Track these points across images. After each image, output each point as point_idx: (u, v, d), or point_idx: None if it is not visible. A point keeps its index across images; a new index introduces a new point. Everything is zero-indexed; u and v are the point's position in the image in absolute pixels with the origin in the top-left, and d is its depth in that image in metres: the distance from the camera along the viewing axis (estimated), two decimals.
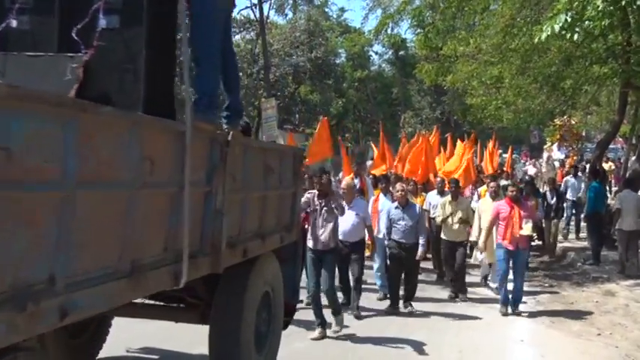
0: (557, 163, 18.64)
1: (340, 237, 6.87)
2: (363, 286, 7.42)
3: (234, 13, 28.01)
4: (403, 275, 7.60)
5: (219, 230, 3.26)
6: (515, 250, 7.33)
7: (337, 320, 6.30)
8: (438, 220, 8.58)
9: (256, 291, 4.08)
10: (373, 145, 14.75)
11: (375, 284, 8.20)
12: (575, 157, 16.78)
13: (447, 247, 8.43)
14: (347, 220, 6.96)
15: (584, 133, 31.65)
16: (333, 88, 34.37)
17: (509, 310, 7.40)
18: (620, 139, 22.99)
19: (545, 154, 23.17)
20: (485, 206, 8.26)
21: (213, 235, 3.24)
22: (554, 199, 11.64)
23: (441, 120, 33.82)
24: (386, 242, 7.71)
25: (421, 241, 7.45)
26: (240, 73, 29.42)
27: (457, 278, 8.25)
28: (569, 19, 6.87)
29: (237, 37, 31.22)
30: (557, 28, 6.93)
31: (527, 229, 7.31)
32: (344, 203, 6.72)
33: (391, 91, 41.15)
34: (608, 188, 13.83)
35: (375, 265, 8.13)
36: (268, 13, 27.49)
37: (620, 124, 12.07)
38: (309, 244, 6.33)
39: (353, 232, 7.15)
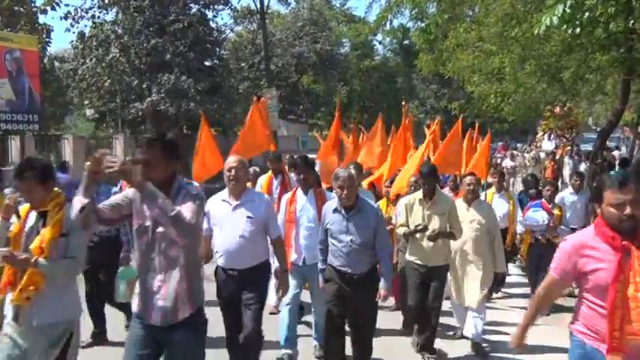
0: (542, 155, 17.77)
1: (222, 261, 4.20)
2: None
3: (235, 3, 28.08)
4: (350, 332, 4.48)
5: None
6: None
7: None
8: (399, 231, 5.29)
9: None
10: (317, 136, 13.08)
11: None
12: (566, 148, 16.36)
13: (414, 275, 5.19)
14: (233, 229, 4.14)
15: (590, 122, 31.40)
16: (337, 78, 34.34)
17: None
18: (627, 128, 22.81)
19: (526, 149, 22.32)
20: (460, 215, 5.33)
21: None
22: None
23: (446, 110, 33.68)
24: (320, 265, 4.59)
25: (383, 268, 4.37)
26: (243, 64, 29.48)
27: (425, 327, 5.18)
28: (568, 10, 6.69)
29: (240, 27, 31.21)
30: (555, 20, 6.74)
31: None
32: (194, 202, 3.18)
33: (395, 80, 41.07)
34: None
35: (284, 315, 4.99)
36: (269, 2, 27.41)
37: (622, 112, 11.91)
38: (134, 308, 3.13)
39: (244, 251, 4.13)
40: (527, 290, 7.62)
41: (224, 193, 4.31)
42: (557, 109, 16.45)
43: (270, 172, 7.11)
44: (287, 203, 5.12)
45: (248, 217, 4.16)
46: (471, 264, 5.50)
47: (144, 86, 23.34)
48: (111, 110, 25.06)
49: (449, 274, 5.47)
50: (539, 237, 7.13)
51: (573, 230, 7.64)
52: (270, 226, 4.29)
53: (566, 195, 8.09)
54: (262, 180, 7.17)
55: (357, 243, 4.27)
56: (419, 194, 5.26)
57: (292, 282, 4.88)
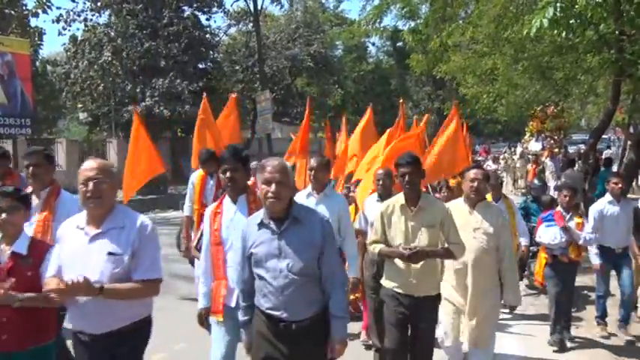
0: (530, 156, 17.87)
1: (71, 322, 2.91)
2: None
3: (229, 6, 28.11)
4: None
5: None
6: None
7: None
8: (373, 250, 3.91)
9: None
10: (293, 136, 12.68)
11: None
12: (553, 150, 16.33)
13: (393, 306, 3.84)
14: (85, 271, 2.66)
15: (583, 122, 31.53)
16: (331, 81, 34.43)
17: None
18: (619, 129, 22.94)
19: (518, 149, 22.39)
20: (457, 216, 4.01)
21: None
22: None
23: (439, 112, 33.81)
24: (241, 316, 3.12)
25: (333, 308, 2.92)
26: (237, 67, 29.45)
27: None
28: (558, 14, 6.72)
29: (233, 29, 31.26)
30: (545, 22, 6.77)
31: None
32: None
33: (389, 82, 41.24)
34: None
35: None
36: (262, 3, 27.39)
37: (613, 112, 12.01)
38: None
39: (103, 307, 2.73)
40: (529, 311, 6.73)
41: (80, 217, 2.88)
42: (550, 110, 16.55)
43: (201, 171, 6.16)
44: (211, 217, 3.48)
45: (109, 253, 2.74)
46: (471, 289, 4.08)
47: (137, 89, 23.29)
48: (104, 114, 24.99)
49: (441, 303, 4.02)
50: (559, 255, 5.71)
51: (605, 250, 5.99)
52: (139, 262, 2.77)
53: (605, 205, 6.09)
54: (194, 178, 6.23)
55: (296, 271, 2.83)
56: (400, 199, 3.84)
57: (220, 335, 3.39)
